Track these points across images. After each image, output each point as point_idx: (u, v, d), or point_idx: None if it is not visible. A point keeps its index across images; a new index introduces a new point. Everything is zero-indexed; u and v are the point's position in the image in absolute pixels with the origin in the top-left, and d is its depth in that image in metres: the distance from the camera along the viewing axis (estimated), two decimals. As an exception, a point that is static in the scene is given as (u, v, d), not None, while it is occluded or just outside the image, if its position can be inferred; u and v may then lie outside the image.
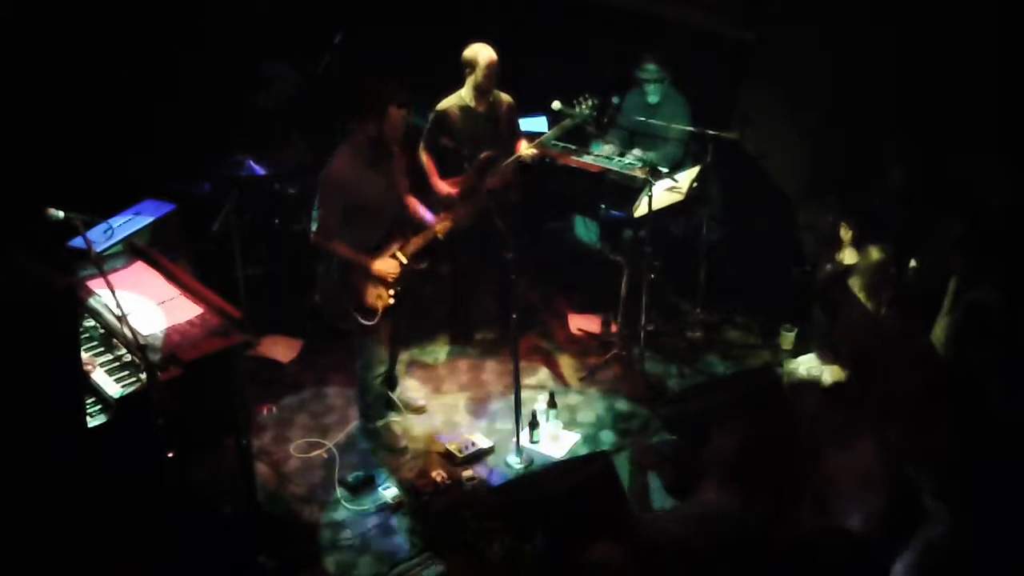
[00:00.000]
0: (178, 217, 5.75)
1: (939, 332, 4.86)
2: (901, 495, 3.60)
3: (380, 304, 4.79)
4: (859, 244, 5.27)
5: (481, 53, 5.39)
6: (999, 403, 4.31)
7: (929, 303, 4.93)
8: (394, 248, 4.82)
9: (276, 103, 6.42)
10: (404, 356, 6.02)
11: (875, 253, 5.11)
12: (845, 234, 5.31)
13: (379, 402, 5.23)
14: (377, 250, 4.79)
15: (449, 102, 5.56)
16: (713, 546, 3.36)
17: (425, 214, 5.04)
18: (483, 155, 5.42)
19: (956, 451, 3.87)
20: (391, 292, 4.79)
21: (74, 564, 3.65)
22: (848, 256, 5.36)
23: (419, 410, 5.50)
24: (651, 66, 6.01)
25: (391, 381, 5.40)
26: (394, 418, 5.43)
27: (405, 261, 4.83)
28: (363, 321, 4.79)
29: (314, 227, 4.70)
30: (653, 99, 6.06)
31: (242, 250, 5.71)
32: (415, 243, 4.89)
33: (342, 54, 6.61)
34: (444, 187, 5.53)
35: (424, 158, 5.61)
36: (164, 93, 6.25)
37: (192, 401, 3.87)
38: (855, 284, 5.12)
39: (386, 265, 4.77)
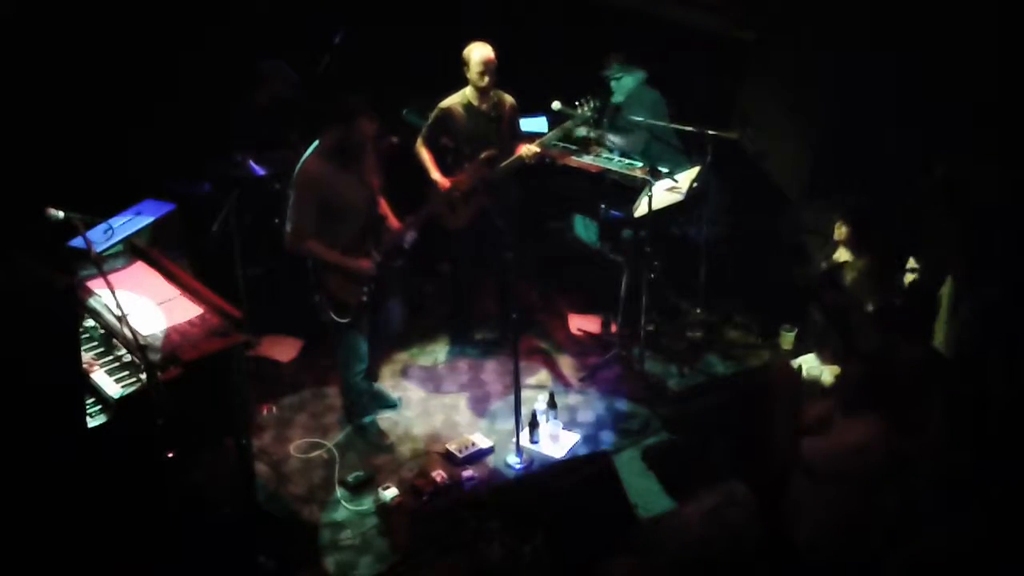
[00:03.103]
0: (178, 217, 5.76)
1: (940, 334, 4.85)
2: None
3: (353, 301, 4.83)
4: (855, 243, 5.24)
5: (475, 51, 5.39)
6: (1002, 402, 4.31)
7: (929, 304, 4.92)
8: (368, 247, 4.86)
9: (274, 101, 6.41)
10: (404, 356, 6.04)
11: (863, 259, 5.11)
12: (839, 232, 5.28)
13: (362, 399, 5.24)
14: (351, 250, 4.82)
15: (453, 100, 5.55)
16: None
17: (392, 217, 5.07)
18: (484, 154, 5.42)
19: (954, 452, 3.87)
20: (364, 290, 4.84)
21: (74, 564, 3.65)
22: (842, 254, 5.34)
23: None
24: (614, 65, 6.07)
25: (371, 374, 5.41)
26: (385, 415, 5.42)
27: (379, 258, 4.87)
28: (336, 318, 4.83)
29: (288, 228, 4.74)
30: (618, 98, 6.12)
31: (242, 250, 5.71)
32: (387, 241, 4.94)
33: (342, 54, 6.60)
34: (444, 181, 5.53)
35: (423, 152, 5.60)
36: (164, 93, 6.25)
37: (192, 401, 3.87)
38: (850, 283, 5.09)
39: (360, 262, 4.80)
